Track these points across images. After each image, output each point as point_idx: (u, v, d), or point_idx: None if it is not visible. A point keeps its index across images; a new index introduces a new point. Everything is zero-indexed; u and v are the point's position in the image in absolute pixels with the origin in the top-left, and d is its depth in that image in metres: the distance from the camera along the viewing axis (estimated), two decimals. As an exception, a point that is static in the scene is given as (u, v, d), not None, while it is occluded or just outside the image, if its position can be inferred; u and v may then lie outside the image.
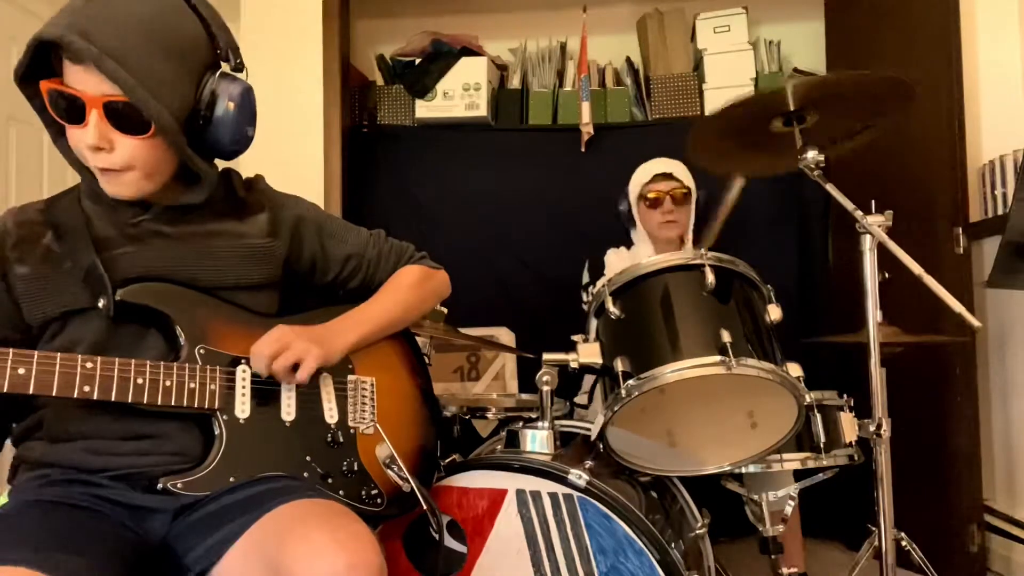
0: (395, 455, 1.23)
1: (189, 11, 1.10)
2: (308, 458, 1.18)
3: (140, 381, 1.04)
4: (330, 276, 1.35)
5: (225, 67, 1.15)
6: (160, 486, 1.04)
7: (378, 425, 1.27)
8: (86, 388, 0.99)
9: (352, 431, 1.24)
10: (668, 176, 2.28)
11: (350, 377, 1.28)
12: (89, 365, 1.00)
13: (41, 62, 1.05)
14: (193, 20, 1.10)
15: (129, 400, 1.03)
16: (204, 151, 1.14)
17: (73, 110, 1.04)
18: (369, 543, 0.92)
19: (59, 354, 0.98)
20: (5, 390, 0.93)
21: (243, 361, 1.16)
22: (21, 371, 0.94)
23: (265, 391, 1.18)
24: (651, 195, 2.28)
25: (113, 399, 1.02)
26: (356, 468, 1.22)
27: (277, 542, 0.92)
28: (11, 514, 0.98)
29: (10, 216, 1.14)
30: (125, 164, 1.07)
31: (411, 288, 1.36)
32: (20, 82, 1.07)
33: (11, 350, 0.95)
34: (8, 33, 2.41)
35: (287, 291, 1.29)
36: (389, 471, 1.22)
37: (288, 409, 1.19)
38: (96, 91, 1.02)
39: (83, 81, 1.02)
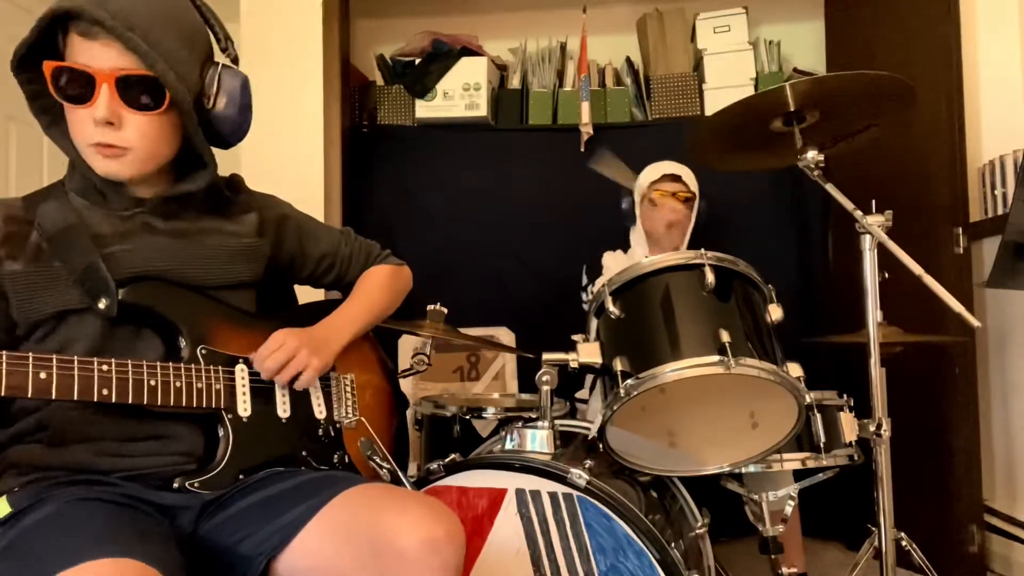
0: (380, 446, 1.32)
1: (189, 2, 1.13)
2: (304, 453, 1.22)
3: (153, 383, 1.04)
4: (305, 273, 1.41)
5: (224, 58, 1.17)
6: (176, 486, 1.06)
7: (363, 419, 1.34)
8: (104, 391, 0.98)
9: (338, 425, 1.30)
10: (677, 179, 2.30)
11: (332, 374, 1.33)
12: (105, 368, 0.99)
13: (43, 45, 1.05)
14: (193, 10, 1.13)
15: (144, 402, 1.03)
16: (205, 139, 1.15)
17: (81, 88, 1.03)
18: (455, 517, 1.01)
19: (76, 357, 0.96)
20: (30, 395, 0.91)
21: (241, 360, 1.18)
22: (43, 375, 0.92)
23: (261, 389, 1.20)
24: (657, 194, 2.30)
25: (130, 402, 1.01)
26: (347, 461, 1.28)
27: (370, 516, 0.98)
28: (64, 512, 0.94)
29: None
30: (130, 142, 1.07)
31: (384, 287, 1.44)
32: (18, 64, 1.06)
33: (31, 354, 0.92)
34: (8, 33, 2.40)
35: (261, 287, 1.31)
36: (371, 462, 1.29)
37: (283, 406, 1.22)
38: (108, 65, 1.03)
39: (95, 56, 1.02)
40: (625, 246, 2.44)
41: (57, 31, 1.05)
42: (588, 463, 1.35)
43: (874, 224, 1.46)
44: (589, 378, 2.24)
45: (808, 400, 1.40)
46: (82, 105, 1.04)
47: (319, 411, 1.27)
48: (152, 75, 1.04)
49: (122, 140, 1.06)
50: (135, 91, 1.05)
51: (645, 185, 2.34)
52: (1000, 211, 2.22)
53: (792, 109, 1.53)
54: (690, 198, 2.31)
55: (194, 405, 1.09)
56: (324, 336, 1.27)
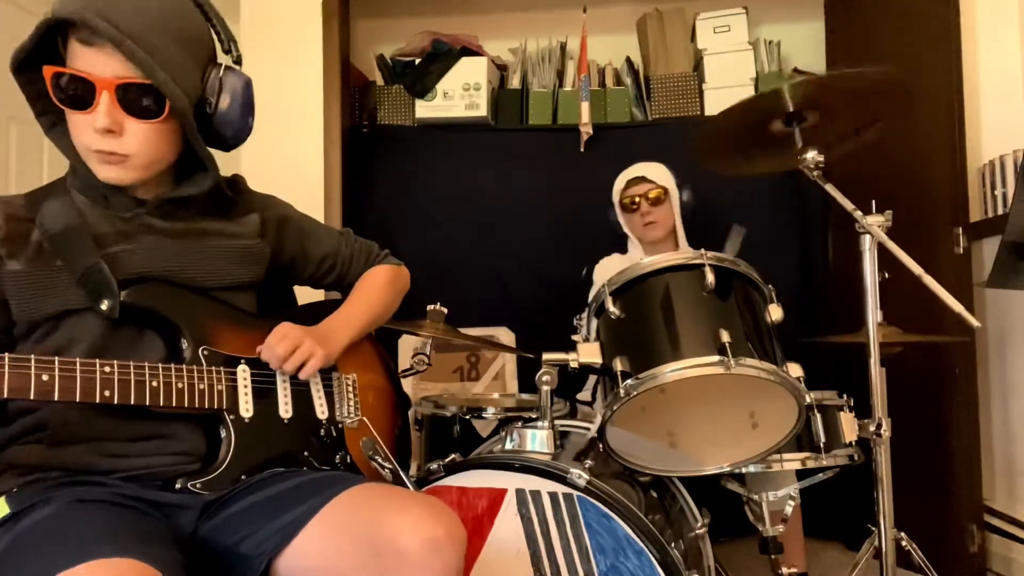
0: (382, 446, 1.32)
1: (191, 2, 1.12)
2: (306, 453, 1.22)
3: (155, 384, 1.04)
4: (306, 274, 1.41)
5: (226, 59, 1.17)
6: (178, 486, 1.05)
7: (365, 419, 1.34)
8: (107, 393, 0.98)
9: (340, 425, 1.30)
10: (642, 179, 2.35)
11: (334, 374, 1.33)
12: (107, 369, 0.99)
13: (43, 49, 1.05)
14: (196, 11, 1.12)
15: (147, 403, 1.03)
16: (206, 141, 1.15)
17: (81, 94, 1.03)
18: (456, 517, 1.01)
19: (78, 359, 0.96)
20: (32, 398, 0.91)
21: (242, 360, 1.18)
22: (45, 378, 0.92)
23: (263, 389, 1.20)
24: (627, 200, 2.36)
25: (132, 403, 1.01)
26: (349, 461, 1.28)
27: (371, 515, 0.98)
28: (64, 513, 0.94)
29: None
30: (131, 149, 1.06)
31: (385, 288, 1.44)
32: (18, 68, 1.06)
33: (32, 356, 0.92)
34: (8, 33, 2.41)
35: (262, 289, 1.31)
36: (372, 462, 1.29)
37: (285, 407, 1.22)
38: (109, 73, 1.02)
39: (95, 63, 1.02)
40: (623, 248, 2.46)
41: (57, 36, 1.05)
42: (588, 463, 1.35)
43: (874, 224, 1.46)
44: (591, 380, 2.24)
45: (808, 400, 1.40)
46: (82, 111, 1.04)
47: (321, 411, 1.27)
48: (152, 83, 1.03)
49: (123, 147, 1.06)
50: (135, 99, 1.04)
51: (617, 193, 2.39)
52: (1000, 211, 2.22)
53: (791, 110, 1.53)
54: (661, 196, 2.33)
55: (196, 406, 1.09)
56: (325, 331, 1.28)
